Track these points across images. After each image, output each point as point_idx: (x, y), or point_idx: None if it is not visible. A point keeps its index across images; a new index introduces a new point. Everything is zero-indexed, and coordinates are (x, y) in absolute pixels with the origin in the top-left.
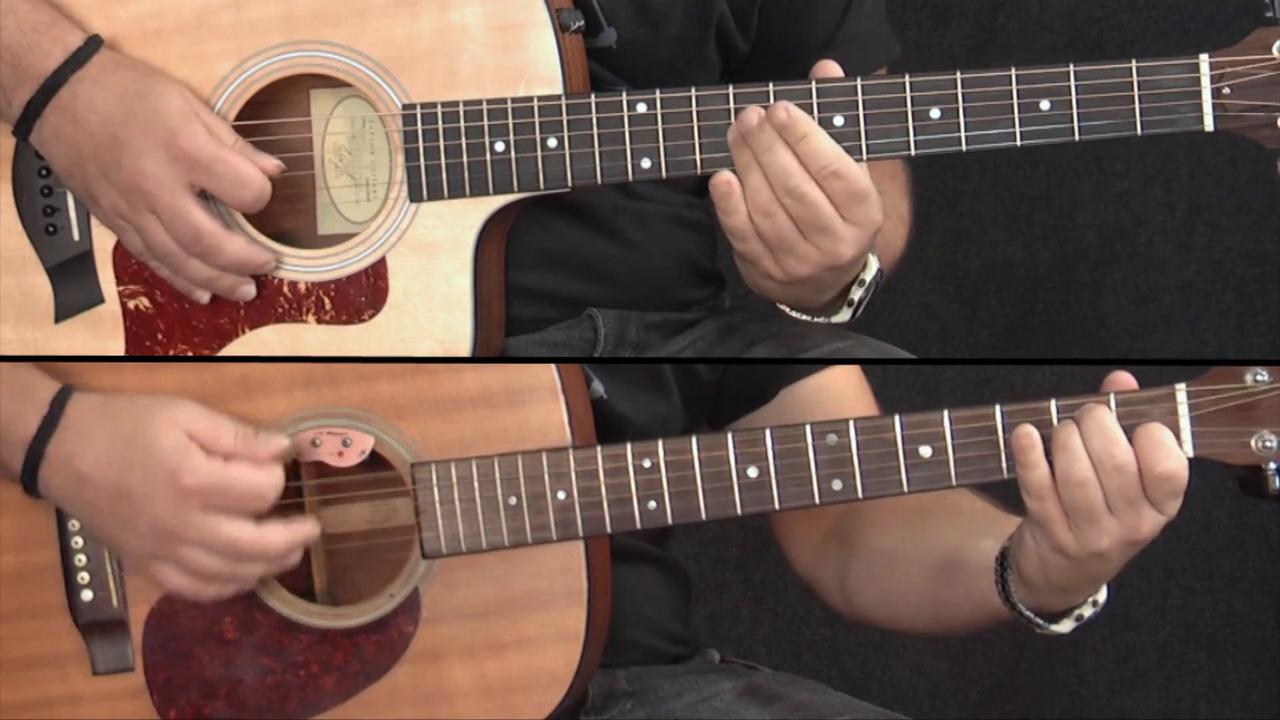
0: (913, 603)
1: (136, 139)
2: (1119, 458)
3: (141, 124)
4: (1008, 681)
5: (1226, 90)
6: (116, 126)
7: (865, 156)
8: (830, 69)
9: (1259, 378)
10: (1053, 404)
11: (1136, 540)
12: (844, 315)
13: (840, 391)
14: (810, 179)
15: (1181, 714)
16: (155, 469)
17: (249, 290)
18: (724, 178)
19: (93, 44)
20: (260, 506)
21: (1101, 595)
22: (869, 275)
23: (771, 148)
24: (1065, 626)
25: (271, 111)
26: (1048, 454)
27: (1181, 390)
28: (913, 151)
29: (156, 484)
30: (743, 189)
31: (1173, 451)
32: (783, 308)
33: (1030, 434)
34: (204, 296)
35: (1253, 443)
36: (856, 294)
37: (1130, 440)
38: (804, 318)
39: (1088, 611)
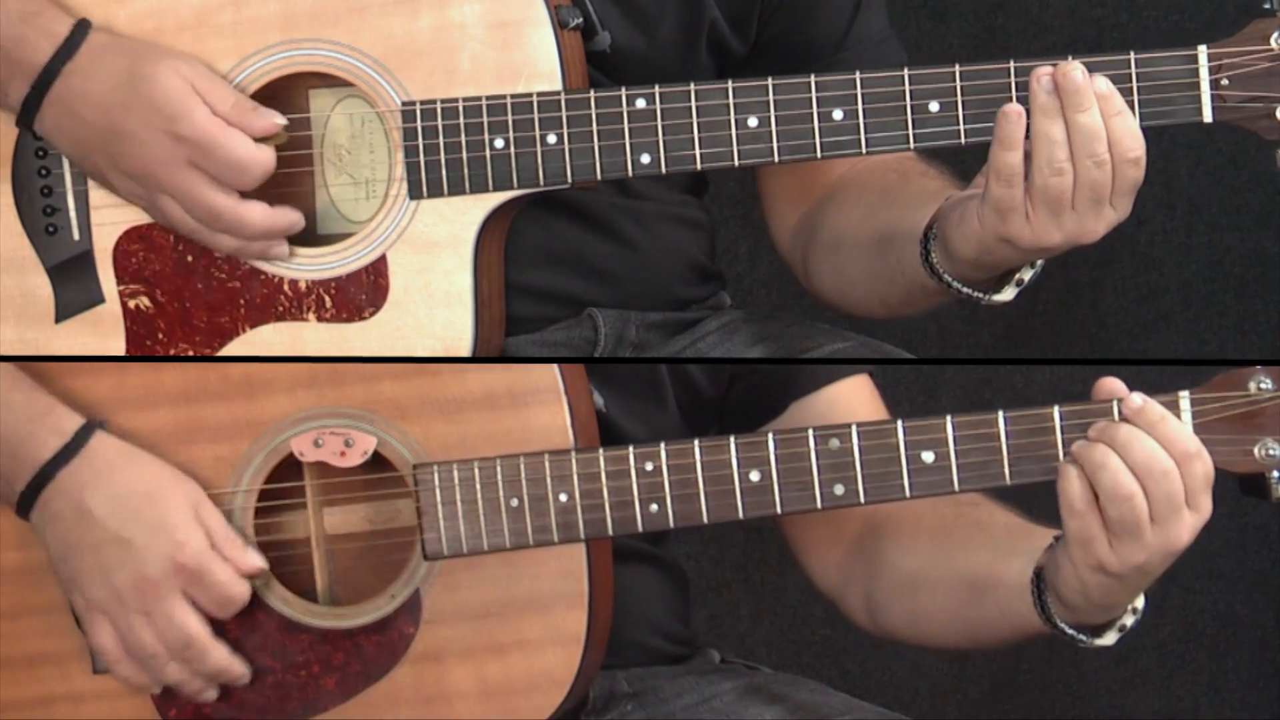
0: (943, 623)
1: (137, 128)
2: (1162, 464)
3: (140, 113)
4: (1008, 681)
5: (1225, 81)
6: (115, 118)
7: (864, 150)
8: None
9: (1263, 385)
10: (1055, 410)
11: (1175, 549)
12: (1008, 294)
13: (851, 404)
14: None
15: (1181, 714)
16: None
17: (282, 250)
18: (1014, 109)
19: (80, 31)
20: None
21: (1140, 602)
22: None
23: (1090, 109)
24: (1109, 639)
25: None
26: (1086, 473)
27: (1185, 397)
28: (911, 145)
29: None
30: (1033, 154)
31: (1190, 438)
32: (955, 285)
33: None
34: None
35: (1256, 450)
36: (1027, 274)
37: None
38: (976, 295)
39: (1129, 620)
